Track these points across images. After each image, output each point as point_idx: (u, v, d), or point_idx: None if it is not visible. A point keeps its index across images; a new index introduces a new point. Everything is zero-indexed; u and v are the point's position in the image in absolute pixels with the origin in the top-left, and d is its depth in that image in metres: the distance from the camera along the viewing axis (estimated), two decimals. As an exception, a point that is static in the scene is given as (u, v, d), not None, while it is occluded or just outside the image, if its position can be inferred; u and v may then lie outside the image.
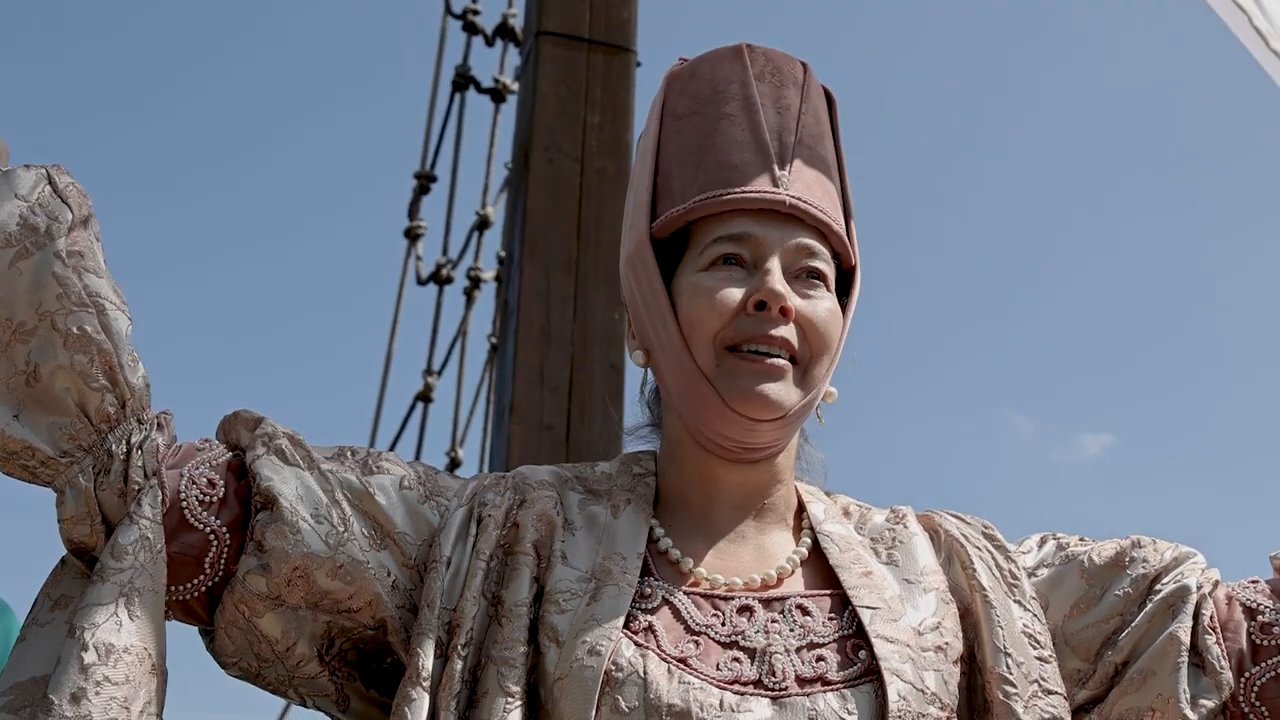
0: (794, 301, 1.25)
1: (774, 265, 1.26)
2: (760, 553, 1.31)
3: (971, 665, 1.27)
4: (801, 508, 1.36)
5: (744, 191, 1.28)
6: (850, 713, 1.17)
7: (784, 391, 1.25)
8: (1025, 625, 1.28)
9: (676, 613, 1.23)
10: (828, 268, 1.30)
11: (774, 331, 1.24)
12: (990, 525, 1.38)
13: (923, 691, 1.19)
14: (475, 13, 4.38)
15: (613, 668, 1.17)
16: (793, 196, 1.28)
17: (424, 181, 4.63)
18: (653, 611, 1.22)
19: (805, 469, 1.41)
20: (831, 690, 1.19)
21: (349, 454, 1.30)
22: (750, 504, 1.33)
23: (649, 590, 1.24)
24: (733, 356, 1.25)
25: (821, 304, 1.28)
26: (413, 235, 4.65)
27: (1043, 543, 1.39)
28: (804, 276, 1.28)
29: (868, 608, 1.24)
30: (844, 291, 1.35)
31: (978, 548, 1.33)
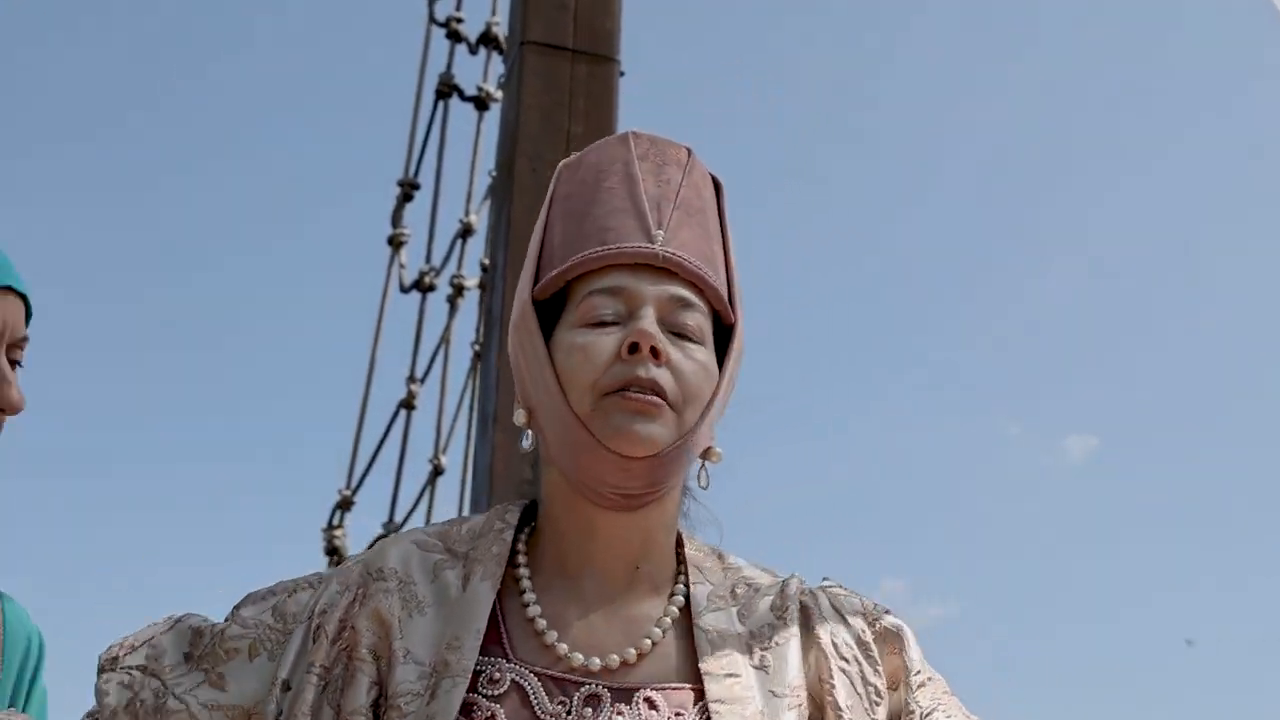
0: (666, 346, 1.27)
1: (648, 313, 1.28)
2: (628, 626, 1.29)
3: None
4: (683, 576, 1.35)
5: (618, 247, 1.30)
6: None
7: (657, 430, 1.25)
8: None
9: (525, 698, 1.22)
10: (703, 320, 1.31)
11: (646, 375, 1.25)
12: (878, 618, 1.36)
13: None
14: (459, 21, 4.40)
15: None
16: (666, 251, 1.30)
17: (407, 189, 4.64)
18: (499, 699, 1.22)
19: (694, 526, 1.40)
20: None
21: (200, 645, 1.30)
22: (626, 562, 1.32)
23: (498, 675, 1.23)
24: (608, 398, 1.26)
25: (694, 355, 1.29)
26: (396, 243, 4.66)
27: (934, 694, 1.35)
28: (678, 329, 1.29)
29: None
30: (726, 346, 1.35)
31: (845, 659, 1.31)
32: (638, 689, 1.24)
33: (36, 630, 1.51)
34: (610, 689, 1.23)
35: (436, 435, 4.58)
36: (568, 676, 1.24)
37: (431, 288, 4.54)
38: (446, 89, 4.43)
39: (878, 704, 1.29)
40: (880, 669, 1.32)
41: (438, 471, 4.56)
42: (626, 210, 1.33)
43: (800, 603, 1.34)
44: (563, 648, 1.25)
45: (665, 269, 1.30)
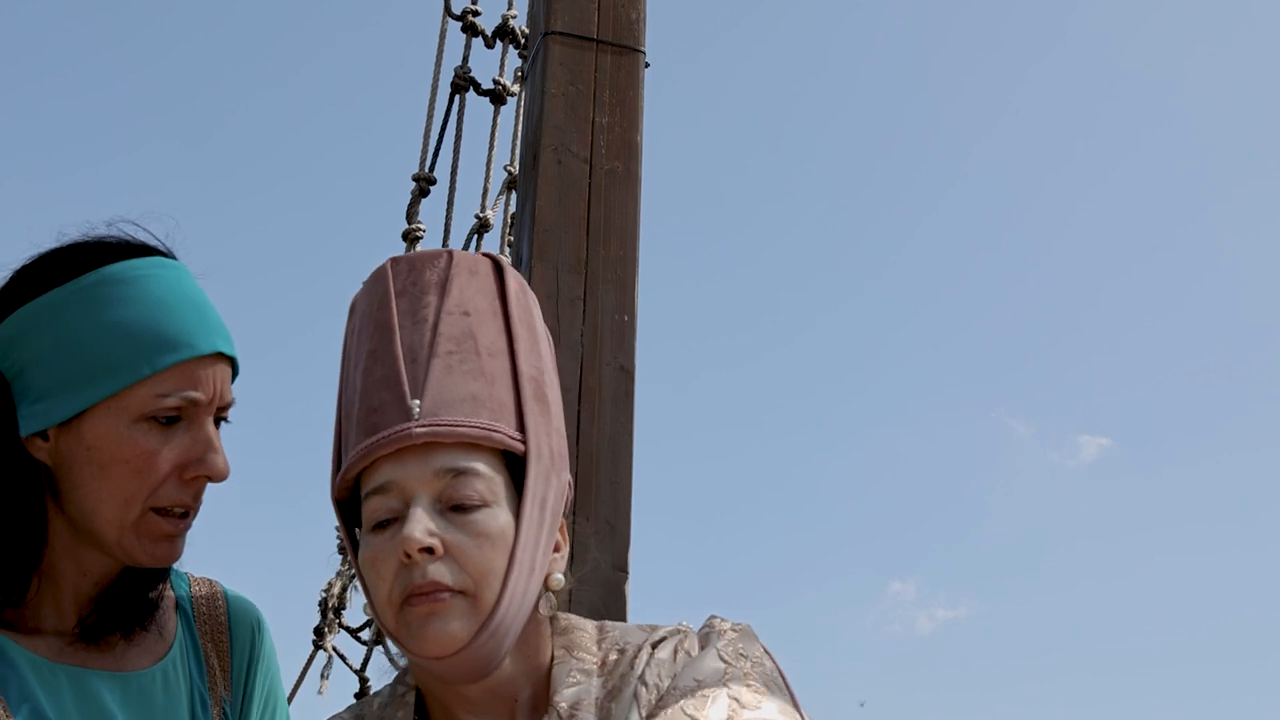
0: (438, 539, 1.24)
1: (416, 509, 1.25)
2: None
3: None
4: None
5: (375, 439, 1.27)
6: None
7: (455, 625, 1.24)
8: None
9: None
10: (484, 478, 1.27)
11: (423, 579, 1.24)
12: (706, 693, 1.31)
13: None
14: (475, 14, 4.36)
15: None
16: (422, 426, 1.26)
17: (423, 184, 4.60)
18: None
19: (567, 635, 1.39)
20: None
21: None
22: (502, 706, 1.33)
23: None
24: (404, 608, 1.25)
25: (477, 524, 1.26)
26: (411, 238, 4.62)
27: None
28: (456, 502, 1.27)
29: None
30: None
31: None
32: None
33: (257, 615, 1.53)
34: None
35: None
36: None
37: (447, 284, 4.50)
38: (463, 83, 4.40)
39: None
40: None
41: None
42: (386, 380, 1.30)
43: (646, 668, 1.34)
44: None
45: (427, 442, 1.26)
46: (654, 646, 1.35)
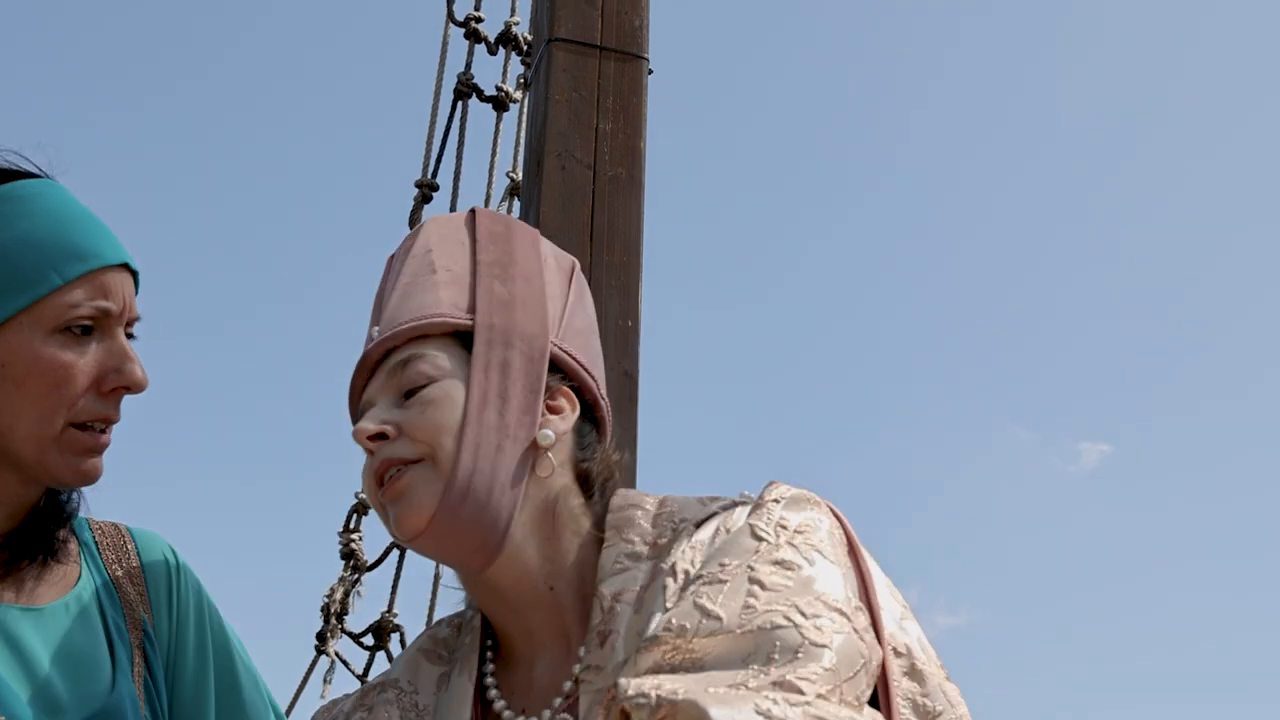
0: (391, 425, 1.28)
1: (373, 407, 1.31)
2: (555, 666, 1.29)
3: None
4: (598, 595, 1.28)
5: (354, 369, 1.36)
6: None
7: (421, 493, 1.25)
8: None
9: None
10: (430, 360, 1.31)
11: (381, 461, 1.28)
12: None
13: None
14: (478, 20, 4.37)
15: None
16: (371, 343, 1.34)
17: (426, 190, 4.60)
18: None
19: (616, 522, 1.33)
20: None
21: None
22: (528, 614, 1.30)
23: None
24: (385, 505, 1.29)
25: (421, 400, 1.29)
26: (414, 244, 4.64)
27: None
28: (407, 388, 1.31)
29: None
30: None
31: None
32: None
33: (168, 547, 1.50)
34: None
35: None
36: None
37: (449, 289, 4.52)
38: (465, 89, 4.41)
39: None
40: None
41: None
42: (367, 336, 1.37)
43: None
44: (508, 715, 1.28)
45: (386, 353, 1.32)
46: (698, 525, 1.24)
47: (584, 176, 2.98)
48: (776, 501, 1.23)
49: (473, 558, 1.27)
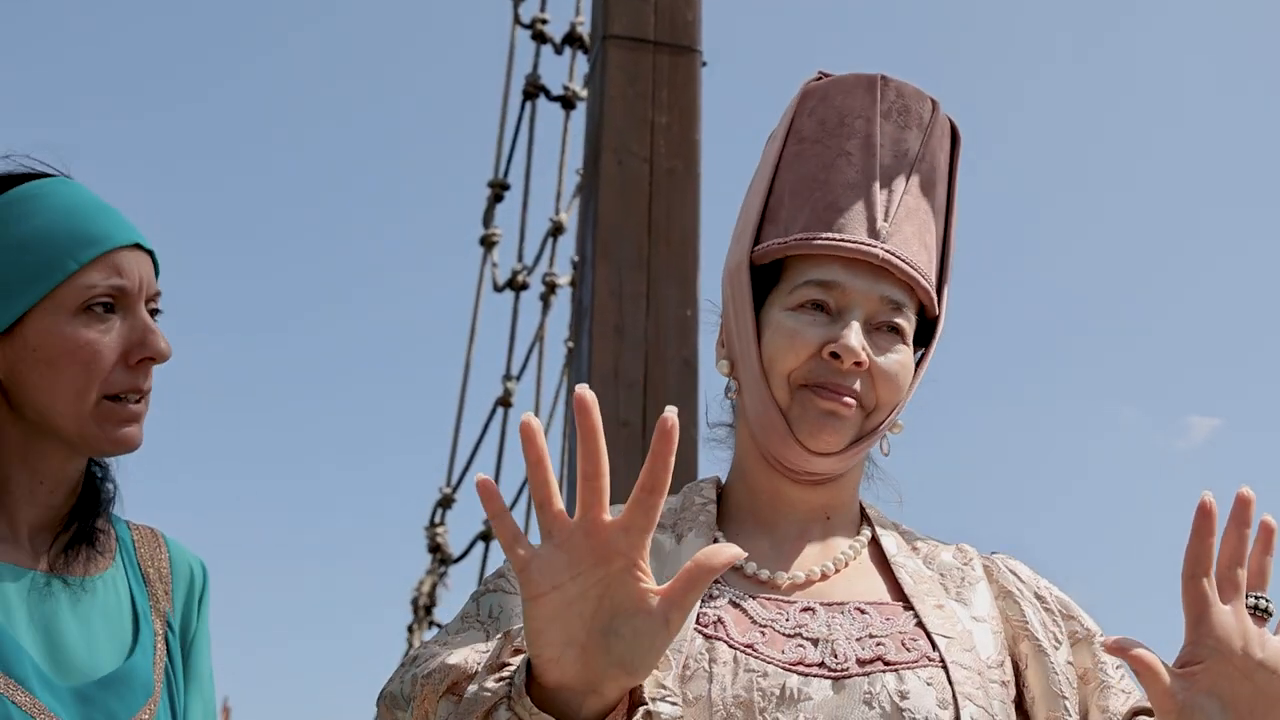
0: (867, 355, 1.33)
1: (856, 318, 1.33)
2: (824, 548, 1.39)
3: (1018, 711, 1.34)
4: (867, 527, 1.43)
5: (839, 239, 1.35)
6: (904, 695, 1.24)
7: (844, 430, 1.33)
8: (1069, 679, 1.35)
9: (743, 610, 1.31)
10: (908, 323, 1.37)
11: (845, 383, 1.32)
12: (1049, 587, 1.44)
13: (992, 716, 1.27)
14: (544, 22, 4.45)
15: (688, 660, 1.26)
16: (887, 250, 1.35)
17: (498, 190, 4.70)
18: (720, 609, 1.30)
19: (876, 498, 1.48)
20: (890, 671, 1.26)
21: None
22: (814, 517, 1.41)
23: (716, 593, 1.32)
24: (804, 391, 1.33)
25: (895, 358, 1.35)
26: (488, 243, 4.72)
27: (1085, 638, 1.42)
28: (884, 329, 1.35)
29: (943, 636, 1.31)
30: (928, 337, 1.43)
31: (1031, 603, 1.40)
32: (846, 603, 1.33)
33: (199, 560, 1.60)
34: (824, 603, 1.33)
35: (533, 432, 4.62)
36: (780, 598, 1.33)
37: (524, 286, 4.59)
38: (533, 89, 4.48)
39: (1057, 646, 1.37)
40: (1060, 623, 1.40)
41: (535, 467, 4.60)
42: (858, 189, 1.38)
43: (981, 563, 1.44)
44: (764, 572, 1.35)
45: (883, 266, 1.35)
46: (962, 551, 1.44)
47: (640, 170, 3.03)
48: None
49: (816, 474, 1.38)
